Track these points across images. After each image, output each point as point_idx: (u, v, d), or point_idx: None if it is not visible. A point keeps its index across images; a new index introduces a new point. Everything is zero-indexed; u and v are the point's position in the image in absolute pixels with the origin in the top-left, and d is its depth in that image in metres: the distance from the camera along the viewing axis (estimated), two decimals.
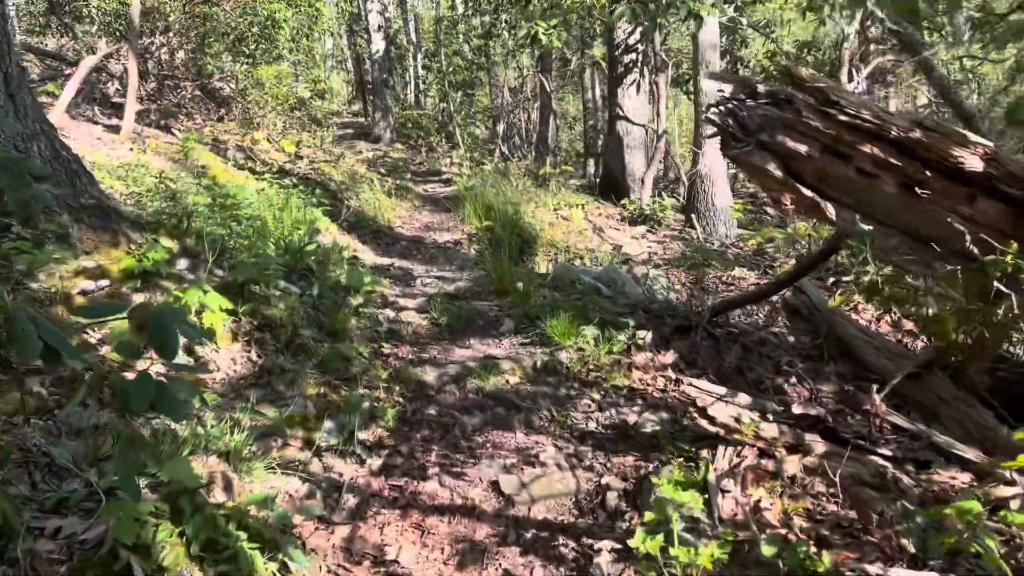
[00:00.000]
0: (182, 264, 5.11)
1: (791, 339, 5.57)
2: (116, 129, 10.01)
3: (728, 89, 4.17)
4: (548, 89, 14.96)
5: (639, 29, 11.69)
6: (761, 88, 4.10)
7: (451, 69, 20.62)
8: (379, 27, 19.59)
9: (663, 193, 10.94)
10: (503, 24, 16.17)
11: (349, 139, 20.93)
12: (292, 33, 13.21)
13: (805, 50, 12.82)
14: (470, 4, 17.92)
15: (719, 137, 4.21)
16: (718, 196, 10.52)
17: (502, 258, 7.17)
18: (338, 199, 9.77)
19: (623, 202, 10.77)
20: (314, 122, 13.82)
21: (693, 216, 10.42)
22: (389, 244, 8.88)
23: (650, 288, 6.90)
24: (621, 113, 11.74)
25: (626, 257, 8.30)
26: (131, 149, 9.43)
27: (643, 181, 9.91)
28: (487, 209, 9.55)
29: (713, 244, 9.44)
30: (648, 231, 9.73)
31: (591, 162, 21.99)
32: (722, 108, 4.15)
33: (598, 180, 12.75)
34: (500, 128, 19.42)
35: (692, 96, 11.90)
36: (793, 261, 8.52)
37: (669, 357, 5.07)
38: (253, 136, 11.75)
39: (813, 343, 5.29)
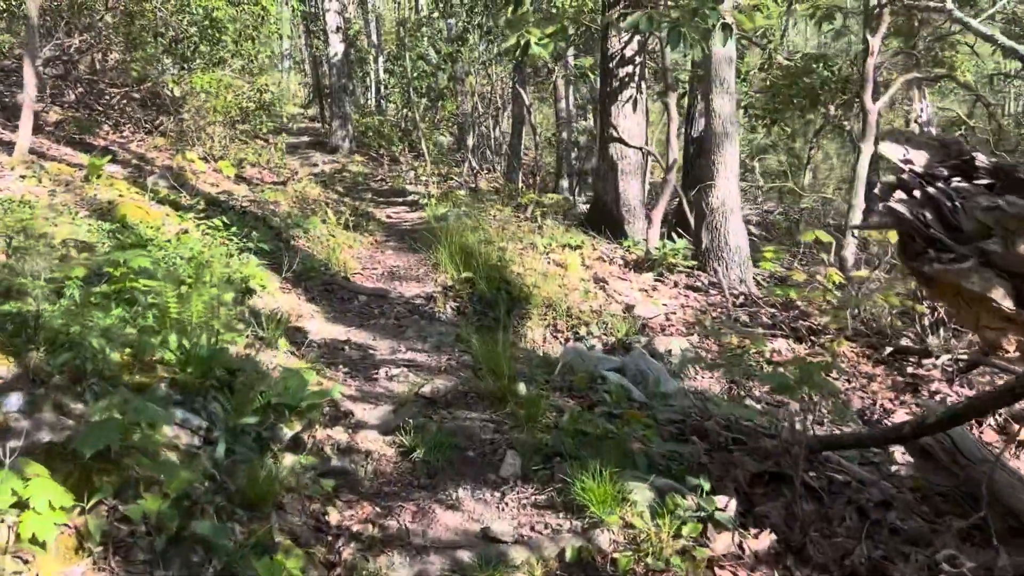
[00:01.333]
0: (12, 403, 3.20)
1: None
2: (12, 147, 7.99)
3: (919, 159, 2.40)
4: (526, 101, 13.15)
5: (636, 39, 9.95)
6: (982, 161, 2.33)
7: (415, 74, 18.72)
8: (337, 28, 17.60)
9: (673, 232, 9.19)
10: (476, 29, 14.32)
11: (304, 148, 18.90)
12: (235, 35, 11.22)
13: (818, 64, 11.20)
14: (440, 5, 16.00)
15: (897, 239, 2.45)
16: (733, 234, 8.81)
17: (491, 340, 5.35)
18: (283, 239, 7.85)
19: (627, 244, 9.00)
20: (260, 137, 11.83)
21: (703, 256, 8.72)
22: (345, 301, 7.00)
23: (697, 394, 5.14)
24: (615, 134, 9.98)
25: (642, 322, 6.54)
26: (22, 177, 7.41)
27: (650, 220, 8.16)
28: (464, 253, 7.71)
29: (734, 294, 7.73)
30: (657, 279, 7.98)
31: (563, 179, 20.27)
32: (911, 193, 2.38)
33: (587, 208, 10.96)
34: (469, 140, 17.54)
35: (703, 116, 10.22)
36: (829, 315, 6.86)
37: (764, 540, 3.31)
38: (185, 155, 9.75)
39: (958, 507, 3.59)
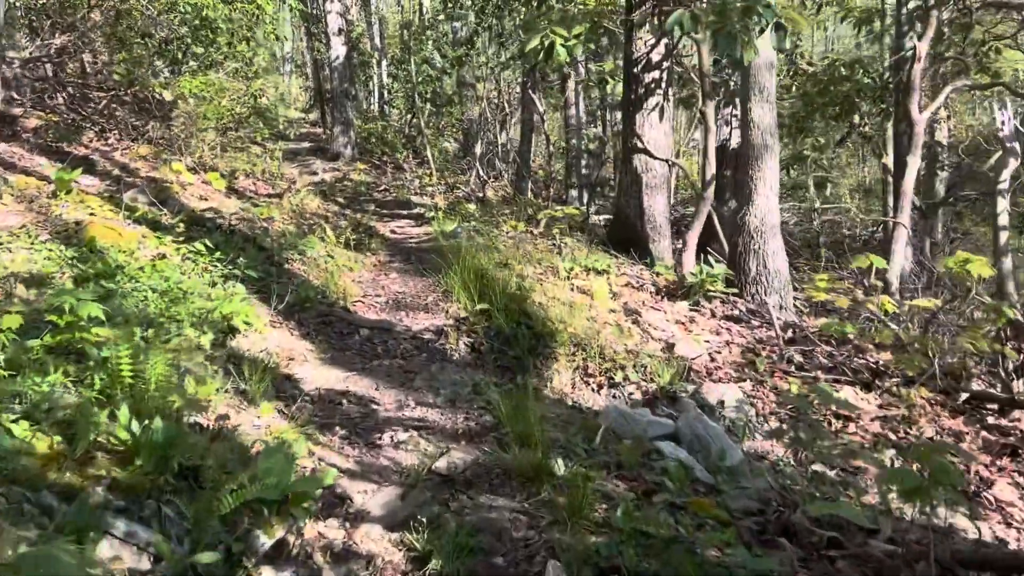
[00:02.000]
0: None
1: None
2: None
3: None
4: (540, 108, 12.24)
5: (663, 42, 9.06)
6: None
7: (420, 79, 17.84)
8: (339, 30, 16.71)
9: (702, 253, 8.27)
10: (486, 31, 13.43)
11: (305, 155, 18.01)
12: (228, 36, 10.33)
13: (853, 70, 10.29)
14: (448, 5, 15.08)
15: None
16: (772, 256, 7.91)
17: (514, 393, 4.45)
18: (275, 263, 6.94)
19: (658, 268, 8.09)
20: (254, 143, 10.92)
21: (740, 280, 7.82)
22: (344, 336, 6.08)
23: (758, 457, 4.23)
24: (640, 144, 9.08)
25: (685, 364, 5.62)
26: None
27: (685, 242, 7.23)
28: (477, 277, 6.81)
29: (781, 326, 6.81)
30: (693, 308, 7.07)
31: (573, 188, 19.35)
32: None
33: (604, 222, 10.04)
34: (477, 148, 16.63)
35: (729, 124, 9.33)
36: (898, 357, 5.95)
37: None
38: (172, 166, 8.85)
39: None
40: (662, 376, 5.39)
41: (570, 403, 5.34)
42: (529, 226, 10.56)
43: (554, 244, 9.13)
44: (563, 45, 6.34)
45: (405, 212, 11.99)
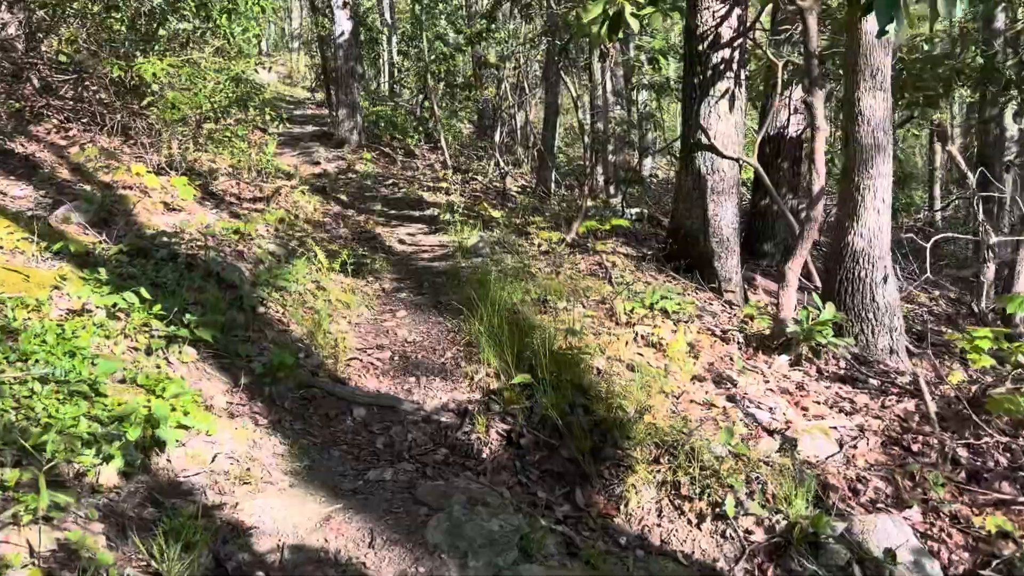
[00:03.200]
0: None
1: None
2: None
3: None
4: (573, 89, 10.33)
5: (736, 13, 7.14)
6: None
7: (432, 57, 15.88)
8: (344, 3, 14.80)
9: (818, 296, 6.36)
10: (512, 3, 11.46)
11: (308, 141, 16.17)
12: (202, 7, 8.46)
13: (969, 50, 8.31)
14: None
15: None
16: (882, 287, 6.08)
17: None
18: (244, 307, 5.13)
19: (748, 311, 6.22)
20: (243, 128, 9.08)
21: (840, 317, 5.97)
22: (331, 422, 4.31)
23: None
24: (705, 140, 7.21)
25: (818, 478, 3.82)
26: None
27: (784, 277, 5.36)
28: (511, 325, 5.02)
29: (930, 400, 4.98)
30: (792, 365, 5.24)
31: (597, 175, 17.42)
32: None
33: (666, 242, 8.20)
34: (496, 135, 14.73)
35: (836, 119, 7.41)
36: None
37: None
38: (132, 168, 7.06)
39: None
40: (791, 502, 3.59)
41: (658, 541, 3.55)
42: (563, 232, 8.74)
43: (599, 264, 7.30)
44: (634, 14, 4.51)
45: (416, 213, 10.16)
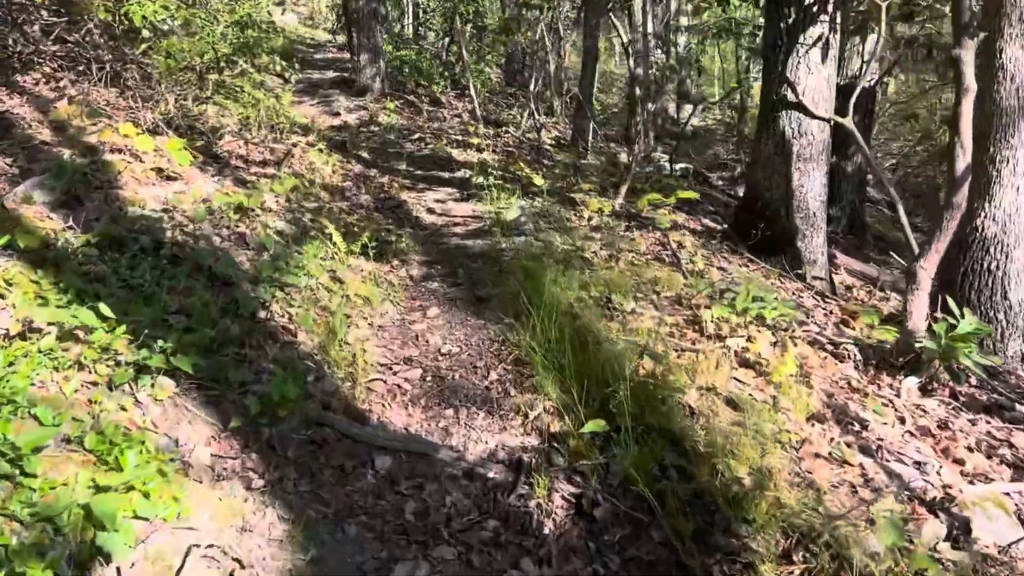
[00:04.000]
0: None
1: None
2: None
3: None
4: (624, 32, 8.99)
5: None
6: None
7: None
8: None
9: (947, 299, 5.15)
10: None
11: (328, 88, 14.91)
12: None
13: None
14: None
15: None
16: (1016, 280, 4.91)
17: None
18: (241, 312, 4.07)
19: (866, 318, 5.01)
20: (251, 86, 7.90)
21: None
22: (346, 477, 3.28)
23: None
24: (793, 96, 5.97)
25: (1000, 573, 2.77)
26: None
27: (913, 277, 4.18)
28: (571, 337, 3.94)
29: None
30: (924, 390, 4.12)
31: (636, 125, 16.02)
32: None
33: (734, 211, 7.03)
34: (531, 84, 13.39)
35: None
36: None
37: None
38: (120, 128, 5.96)
39: None
40: None
41: None
42: (611, 198, 7.58)
43: (661, 244, 6.15)
44: None
45: (446, 175, 8.98)
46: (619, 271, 5.18)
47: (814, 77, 5.96)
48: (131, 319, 3.54)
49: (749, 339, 4.19)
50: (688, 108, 18.60)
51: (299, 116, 10.55)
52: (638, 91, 9.61)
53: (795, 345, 4.19)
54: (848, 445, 3.42)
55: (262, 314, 4.19)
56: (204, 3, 8.17)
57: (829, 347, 4.35)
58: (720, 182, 13.40)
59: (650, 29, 15.53)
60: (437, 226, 6.88)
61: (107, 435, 2.81)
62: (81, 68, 7.71)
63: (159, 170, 5.94)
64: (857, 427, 3.60)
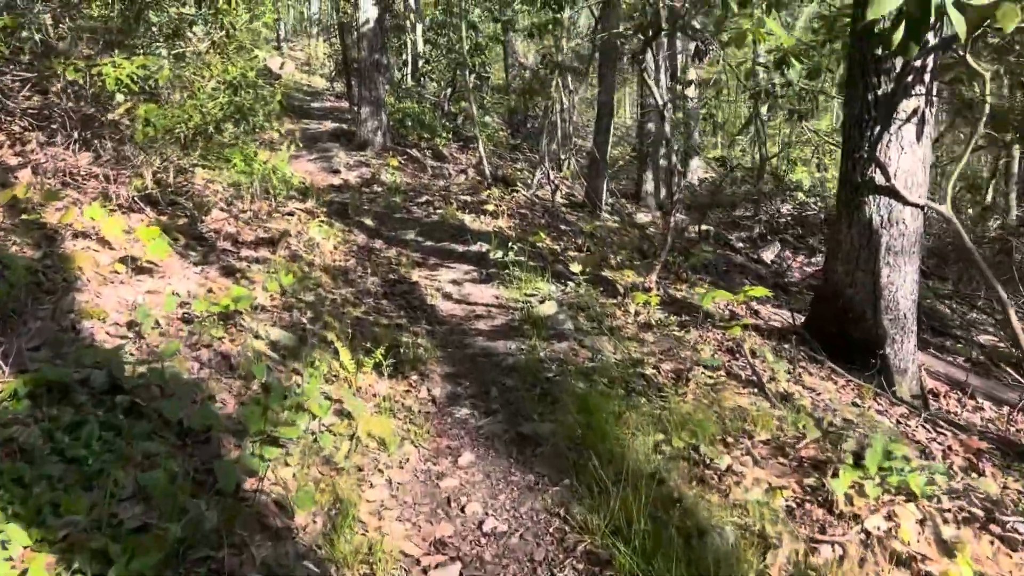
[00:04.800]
0: None
1: None
2: None
3: None
4: (659, 96, 8.07)
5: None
6: None
7: (469, 47, 13.56)
8: None
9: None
10: None
11: (326, 140, 13.97)
12: None
13: None
14: None
15: None
16: None
17: None
18: (221, 490, 2.99)
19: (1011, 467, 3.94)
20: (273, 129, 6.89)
21: None
22: None
23: None
24: (882, 179, 5.00)
25: None
26: None
27: None
28: (662, 513, 2.87)
29: None
30: None
31: (647, 181, 15.11)
32: None
33: (809, 307, 6.01)
34: (544, 141, 12.48)
35: None
36: None
37: None
38: (86, 211, 4.94)
39: None
40: None
41: None
42: (648, 275, 6.58)
43: (730, 352, 5.11)
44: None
45: (460, 248, 7.95)
46: (694, 398, 4.13)
47: (907, 157, 4.99)
48: (63, 522, 2.45)
49: (890, 516, 3.14)
50: (693, 163, 17.77)
51: (296, 174, 9.56)
52: (665, 151, 8.63)
53: (955, 525, 3.13)
54: None
55: (248, 484, 3.10)
56: (194, 59, 7.20)
57: (994, 528, 3.29)
58: (740, 243, 12.44)
59: (664, 83, 14.69)
60: (457, 318, 5.82)
61: None
62: (55, 127, 6.66)
63: (131, 259, 4.88)
64: None
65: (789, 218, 14.28)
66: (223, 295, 4.65)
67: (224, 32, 6.87)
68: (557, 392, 4.25)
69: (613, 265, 7.54)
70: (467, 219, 9.14)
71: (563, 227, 10.00)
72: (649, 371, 4.50)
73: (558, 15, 8.52)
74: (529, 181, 13.27)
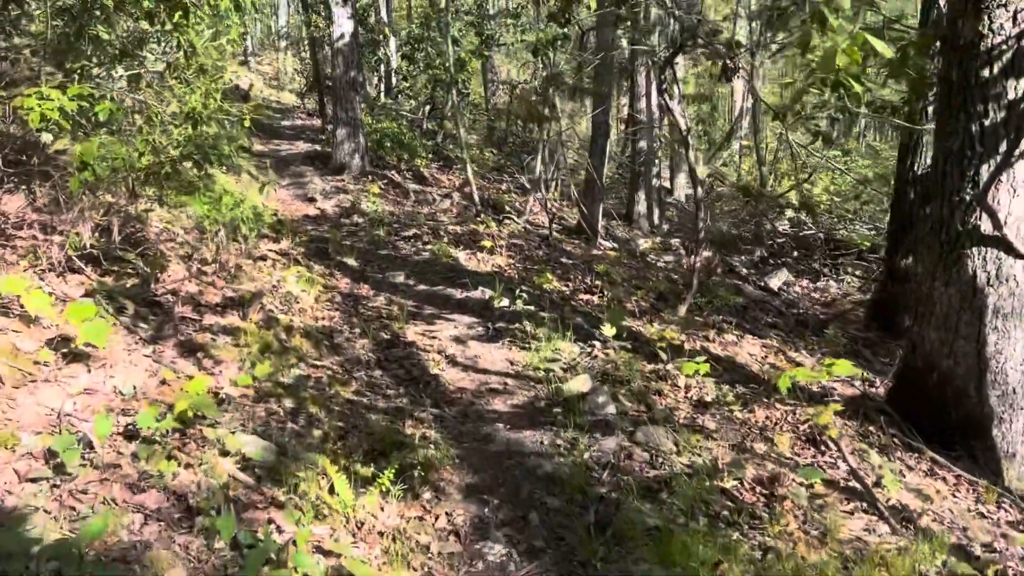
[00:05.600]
0: None
1: None
2: None
3: None
4: (681, 119, 7.11)
5: None
6: None
7: (452, 62, 12.50)
8: (344, 0, 11.47)
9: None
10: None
11: (299, 164, 12.82)
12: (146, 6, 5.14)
13: None
14: None
15: None
16: None
17: None
18: None
19: None
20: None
21: None
22: None
23: None
24: (991, 227, 4.06)
25: None
26: None
27: None
28: None
29: None
30: None
31: (639, 202, 14.15)
32: None
33: (894, 379, 4.99)
34: (537, 165, 11.47)
35: None
36: None
37: None
38: (6, 282, 3.81)
39: None
40: None
41: None
42: (669, 315, 5.59)
43: (812, 442, 4.12)
44: None
45: (458, 293, 6.89)
46: (797, 526, 3.13)
47: (1020, 201, 4.06)
48: None
49: None
50: (680, 179, 16.91)
51: (268, 205, 8.46)
52: (688, 180, 7.69)
53: None
54: None
55: None
56: (151, 82, 6.11)
57: None
58: (744, 270, 11.52)
59: (655, 99, 13.80)
60: (468, 395, 4.76)
61: None
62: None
63: (63, 341, 3.78)
64: None
65: (787, 239, 13.43)
66: (179, 393, 3.56)
67: (182, 52, 5.75)
68: (619, 522, 3.22)
69: (634, 311, 6.54)
70: (461, 256, 8.09)
71: (564, 260, 8.99)
72: (730, 483, 3.49)
73: (565, 29, 7.51)
74: (519, 205, 12.25)
